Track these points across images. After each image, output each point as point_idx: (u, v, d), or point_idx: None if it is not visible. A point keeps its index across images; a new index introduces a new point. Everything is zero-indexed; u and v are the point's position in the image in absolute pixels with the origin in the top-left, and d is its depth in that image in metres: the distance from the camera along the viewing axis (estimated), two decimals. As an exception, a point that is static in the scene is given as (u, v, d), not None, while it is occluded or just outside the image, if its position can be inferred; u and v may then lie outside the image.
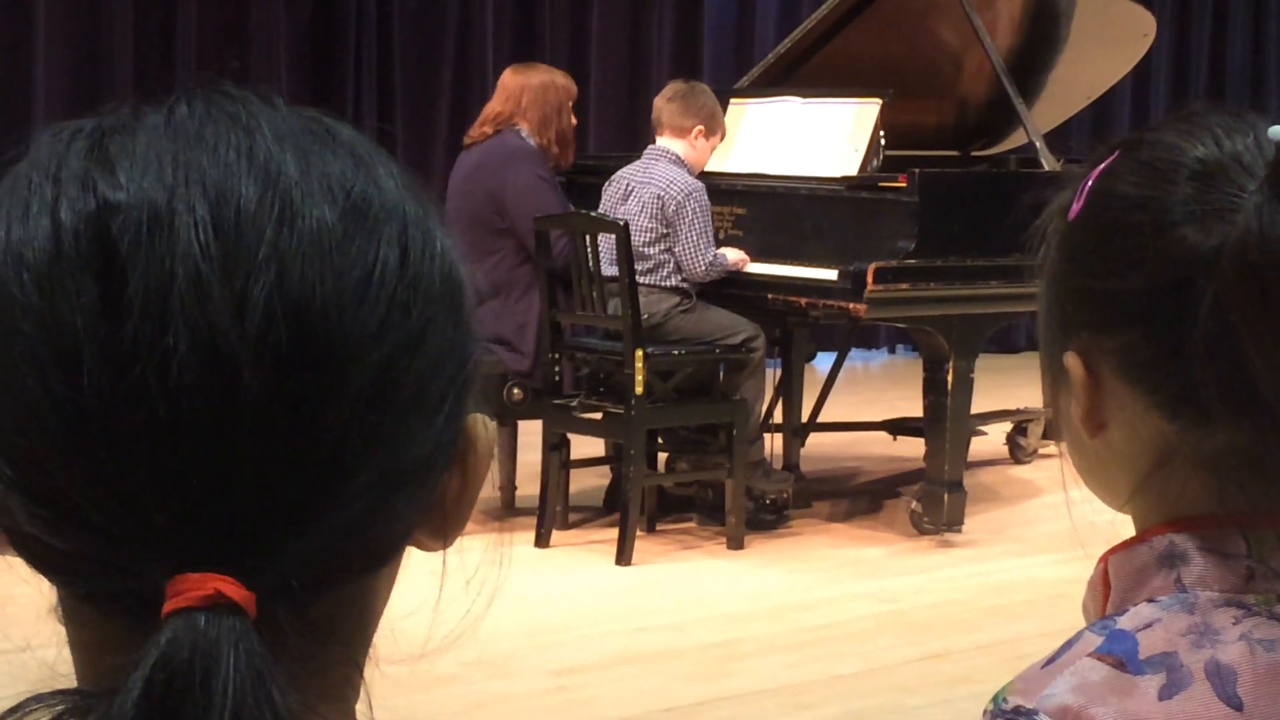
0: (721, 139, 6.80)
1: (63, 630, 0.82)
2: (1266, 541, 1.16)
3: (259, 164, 0.77)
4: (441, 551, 0.87)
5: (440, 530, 0.85)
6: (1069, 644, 1.14)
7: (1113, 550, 1.20)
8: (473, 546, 0.92)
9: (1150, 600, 1.15)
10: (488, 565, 0.96)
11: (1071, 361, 1.20)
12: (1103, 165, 1.21)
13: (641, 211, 6.54)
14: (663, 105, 6.77)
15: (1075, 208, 1.21)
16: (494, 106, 7.02)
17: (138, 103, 0.82)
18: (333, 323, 0.75)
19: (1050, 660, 1.14)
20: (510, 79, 7.07)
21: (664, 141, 6.70)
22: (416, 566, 0.87)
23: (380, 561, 0.82)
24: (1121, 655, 1.11)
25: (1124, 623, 1.13)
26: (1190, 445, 1.17)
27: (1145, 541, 1.18)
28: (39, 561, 0.78)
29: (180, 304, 0.73)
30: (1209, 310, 1.11)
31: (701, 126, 6.67)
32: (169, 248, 0.74)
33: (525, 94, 6.94)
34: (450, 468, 0.83)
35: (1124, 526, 1.24)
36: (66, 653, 0.82)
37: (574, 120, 7.07)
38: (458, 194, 6.92)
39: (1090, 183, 1.21)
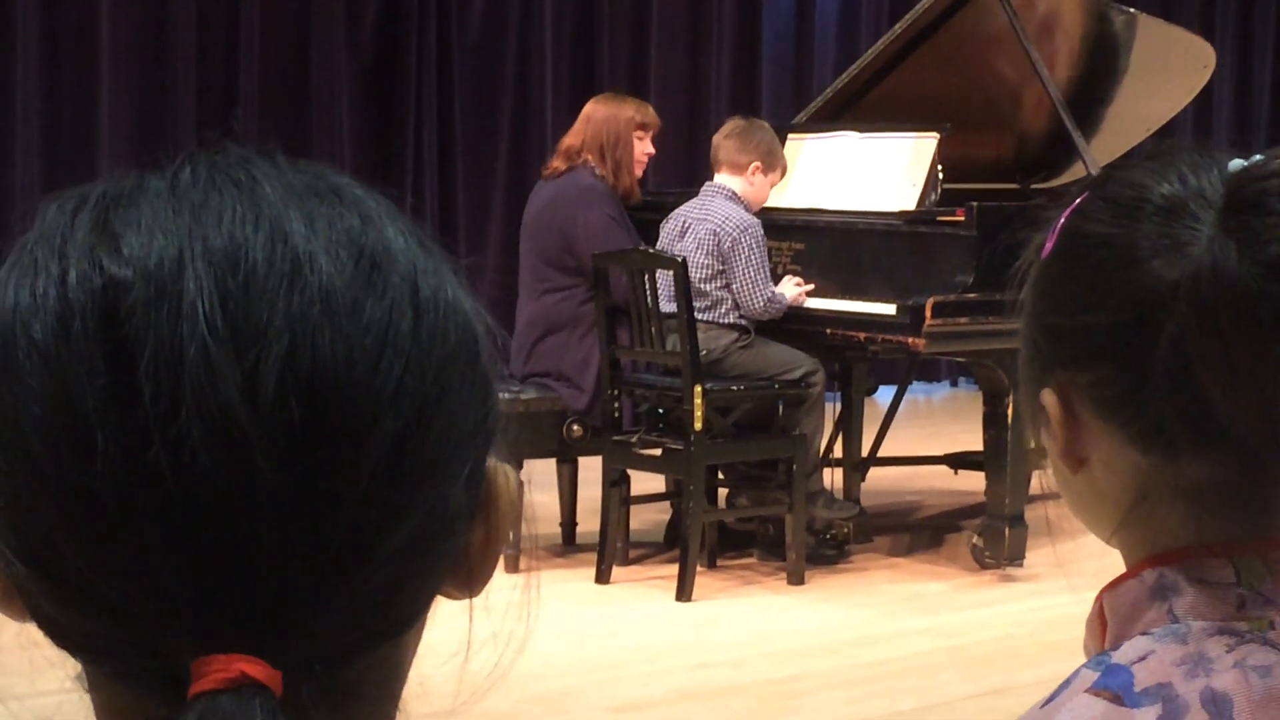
0: (782, 175, 6.79)
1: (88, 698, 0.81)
2: (1255, 569, 1.17)
3: (265, 229, 0.76)
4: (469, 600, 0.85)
5: (466, 582, 0.84)
6: (1067, 682, 1.15)
7: (1107, 587, 1.21)
8: (502, 589, 0.91)
9: (1144, 633, 1.15)
10: (516, 613, 0.94)
11: (1048, 399, 1.21)
12: (1074, 205, 1.23)
13: (698, 248, 6.54)
14: (720, 142, 6.78)
15: (1047, 247, 1.23)
16: (567, 138, 7.04)
17: (141, 169, 0.81)
18: (347, 393, 0.74)
19: (1049, 700, 1.14)
20: (587, 109, 7.10)
21: (721, 178, 6.71)
22: (449, 610, 0.87)
23: (407, 625, 0.81)
24: (1118, 689, 1.12)
25: (1119, 657, 1.14)
26: (1165, 478, 1.18)
27: (1136, 576, 1.19)
28: (63, 640, 0.77)
29: (191, 385, 0.72)
30: (1168, 344, 1.13)
31: (759, 163, 6.66)
32: (177, 325, 0.73)
33: (590, 125, 6.96)
34: (474, 520, 0.82)
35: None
36: None
37: (645, 152, 7.01)
38: (531, 227, 6.96)
39: (1061, 222, 1.22)
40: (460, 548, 0.82)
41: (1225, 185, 1.16)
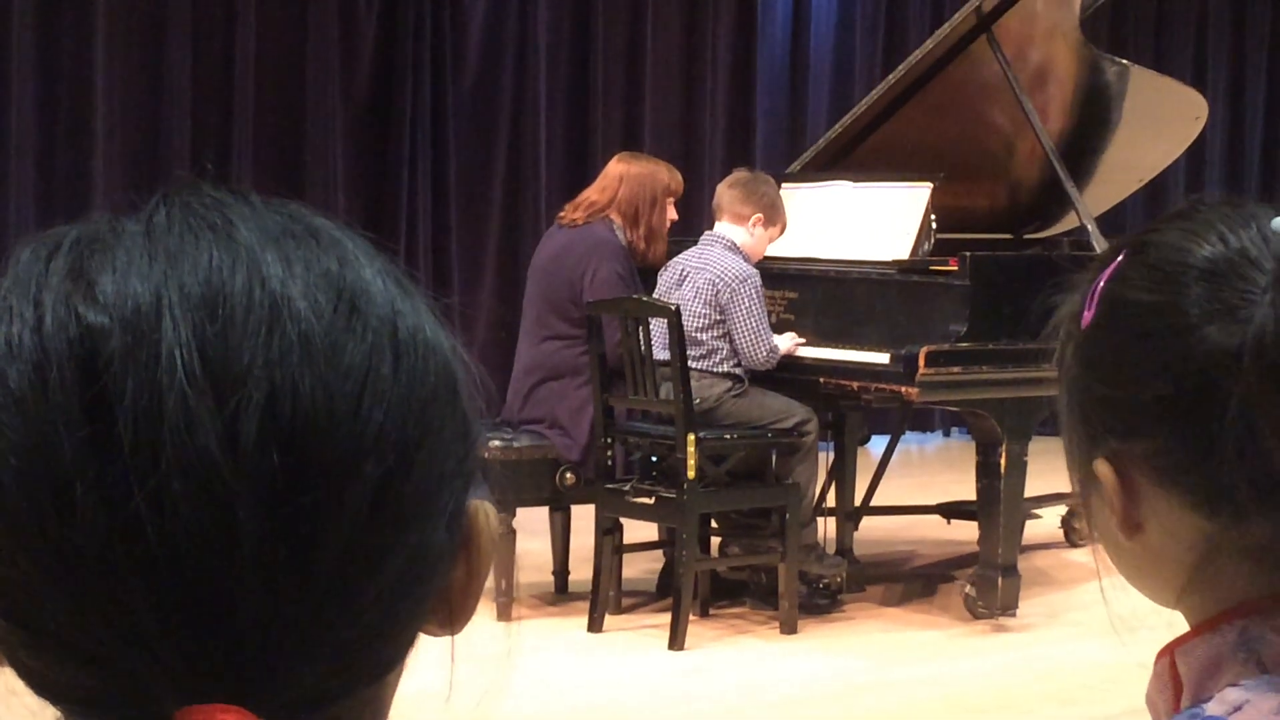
0: (782, 231, 6.79)
1: None
2: None
3: (242, 273, 0.76)
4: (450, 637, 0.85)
5: (447, 620, 0.84)
6: None
7: (1177, 643, 1.19)
8: (483, 637, 0.90)
9: (1233, 685, 1.14)
10: (498, 655, 0.94)
11: (1103, 469, 1.19)
12: (1109, 270, 1.21)
13: (695, 297, 6.55)
14: (724, 191, 6.79)
15: (1087, 315, 1.21)
16: (590, 193, 7.00)
17: (115, 213, 0.80)
18: (328, 439, 0.74)
19: None
20: (613, 167, 7.05)
21: (722, 227, 6.72)
22: (431, 651, 0.86)
23: (389, 668, 0.81)
24: None
25: (1213, 709, 1.13)
26: (1231, 538, 1.16)
27: (1214, 631, 1.18)
28: (44, 691, 0.77)
29: (171, 435, 0.71)
30: (1236, 411, 1.11)
31: (760, 215, 6.67)
32: (156, 374, 0.72)
33: (623, 185, 6.90)
34: (455, 559, 0.82)
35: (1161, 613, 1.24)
36: None
37: (673, 216, 6.98)
38: (539, 272, 6.95)
39: (1100, 288, 1.21)
40: (442, 588, 0.82)
41: (1274, 247, 1.15)
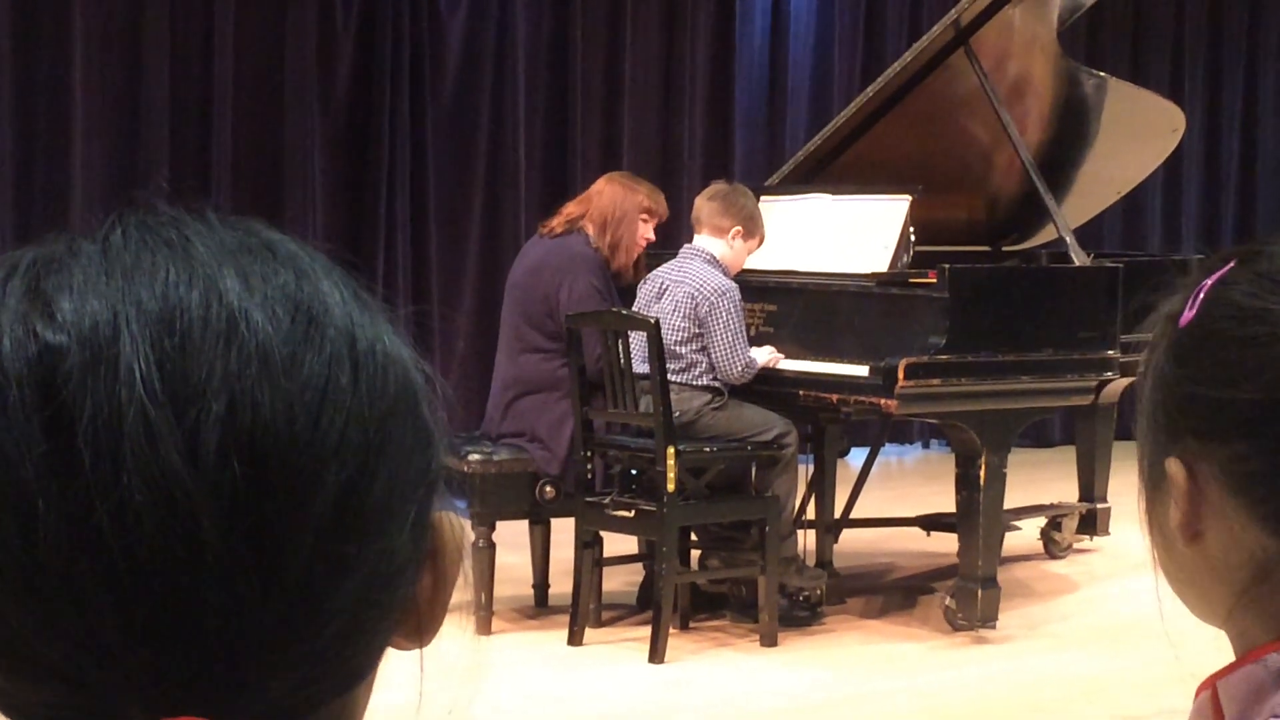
0: (760, 243, 6.80)
1: None
2: None
3: (199, 289, 0.76)
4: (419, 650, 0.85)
5: (415, 632, 0.84)
6: None
7: (1219, 675, 1.19)
8: (450, 648, 0.90)
9: (1276, 715, 1.14)
10: (469, 668, 0.94)
11: (1174, 467, 1.19)
12: (1217, 275, 1.20)
13: (675, 311, 6.55)
14: (703, 204, 6.79)
15: (1187, 315, 1.20)
16: (572, 205, 7.04)
17: (72, 233, 0.80)
18: (288, 450, 0.74)
19: None
20: (599, 182, 7.11)
21: (701, 240, 6.72)
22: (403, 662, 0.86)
23: (359, 679, 0.81)
24: None
25: None
26: None
27: (1258, 661, 1.17)
28: (10, 710, 0.77)
29: (131, 449, 0.72)
30: None
31: (740, 228, 6.68)
32: (115, 390, 0.73)
33: (599, 198, 6.94)
34: (421, 569, 0.82)
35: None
36: None
37: (645, 236, 6.97)
38: (517, 286, 6.95)
39: (1204, 292, 1.20)
40: (409, 598, 0.82)
41: None
